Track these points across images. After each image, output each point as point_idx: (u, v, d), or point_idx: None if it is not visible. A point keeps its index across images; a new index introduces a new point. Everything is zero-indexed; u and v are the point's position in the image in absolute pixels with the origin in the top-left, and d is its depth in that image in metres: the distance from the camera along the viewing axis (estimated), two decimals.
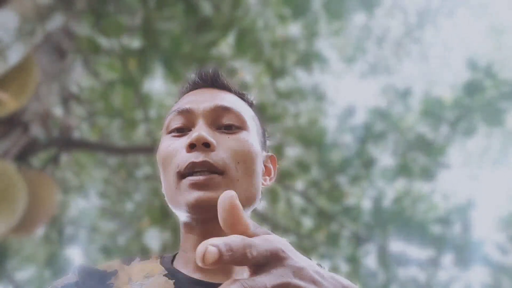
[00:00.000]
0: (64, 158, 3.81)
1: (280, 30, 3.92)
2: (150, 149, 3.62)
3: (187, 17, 3.37)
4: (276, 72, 3.91)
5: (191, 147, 0.70)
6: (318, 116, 4.28)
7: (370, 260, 4.24)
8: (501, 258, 4.17)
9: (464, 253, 4.14)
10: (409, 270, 4.31)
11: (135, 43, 3.52)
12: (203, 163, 0.69)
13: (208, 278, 0.69)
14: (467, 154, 4.76)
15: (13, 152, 3.05)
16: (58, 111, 3.55)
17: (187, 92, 0.82)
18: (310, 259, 0.49)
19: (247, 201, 0.73)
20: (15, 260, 4.07)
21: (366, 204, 4.32)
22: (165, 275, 0.70)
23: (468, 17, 5.03)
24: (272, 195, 3.83)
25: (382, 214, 4.22)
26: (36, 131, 3.21)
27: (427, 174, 4.28)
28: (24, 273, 4.26)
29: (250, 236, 0.41)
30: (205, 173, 0.69)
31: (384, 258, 4.17)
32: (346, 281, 0.45)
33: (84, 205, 4.32)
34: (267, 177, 0.82)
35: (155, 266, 0.73)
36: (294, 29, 4.00)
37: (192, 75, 0.83)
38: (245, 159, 0.73)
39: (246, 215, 0.43)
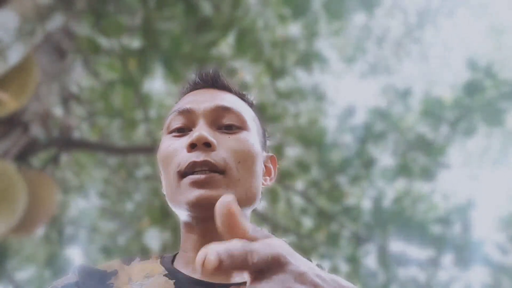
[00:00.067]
0: (64, 158, 3.81)
1: (280, 30, 3.92)
2: (150, 149, 3.62)
3: (187, 17, 3.37)
4: (276, 72, 3.90)
5: (192, 146, 0.70)
6: (318, 116, 4.28)
7: (370, 260, 4.24)
8: (501, 258, 4.17)
9: (464, 253, 4.14)
10: (409, 270, 4.32)
11: (135, 43, 3.52)
12: (204, 163, 0.69)
13: (209, 278, 0.69)
14: (467, 154, 4.76)
15: (13, 152, 3.05)
16: (58, 111, 3.55)
17: (188, 92, 0.82)
18: (311, 260, 0.48)
19: (247, 201, 0.74)
20: (15, 260, 4.07)
21: (366, 204, 4.32)
22: (165, 275, 0.71)
23: (468, 17, 5.03)
24: (272, 195, 3.83)
25: (382, 214, 4.22)
26: (36, 131, 3.21)
27: (427, 174, 4.28)
28: (24, 273, 4.27)
29: (249, 240, 0.40)
30: (206, 172, 0.69)
31: (384, 258, 4.17)
32: (347, 283, 0.45)
33: (84, 205, 4.32)
34: (267, 177, 0.82)
35: (155, 266, 0.73)
36: (294, 29, 4.00)
37: (192, 76, 0.84)
38: (245, 159, 0.73)
39: (245, 218, 0.42)
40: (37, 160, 3.50)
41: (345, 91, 4.75)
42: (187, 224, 0.75)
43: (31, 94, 2.84)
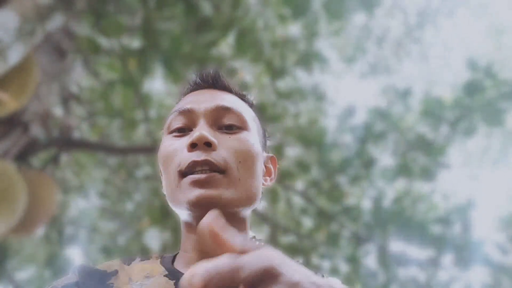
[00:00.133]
0: (64, 158, 3.81)
1: (280, 30, 3.92)
2: (150, 149, 3.62)
3: (187, 17, 3.37)
4: (276, 72, 3.90)
5: (193, 146, 0.71)
6: (318, 116, 4.28)
7: (370, 260, 4.24)
8: (501, 258, 4.17)
9: (464, 253, 4.14)
10: (409, 270, 4.32)
11: (135, 43, 3.52)
12: (205, 162, 0.70)
13: None
14: (467, 154, 4.76)
15: (13, 152, 3.05)
16: (58, 111, 3.55)
17: (188, 92, 0.82)
18: (298, 261, 0.47)
19: (247, 201, 0.74)
20: (15, 260, 4.07)
21: (366, 204, 4.32)
22: (165, 276, 0.71)
23: (468, 17, 5.03)
24: (272, 195, 3.83)
25: (382, 214, 4.22)
26: (36, 131, 3.21)
27: (427, 174, 4.28)
28: (24, 273, 4.27)
29: (239, 253, 0.39)
30: (207, 171, 0.70)
31: (384, 258, 4.17)
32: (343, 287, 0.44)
33: (84, 205, 4.32)
34: (267, 178, 0.82)
35: (155, 266, 0.73)
36: (294, 29, 4.00)
37: (192, 76, 0.84)
38: (246, 158, 0.73)
39: (231, 231, 0.41)
40: (37, 160, 3.50)
41: (345, 91, 4.76)
42: (187, 224, 0.75)
43: (31, 94, 2.84)
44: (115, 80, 3.65)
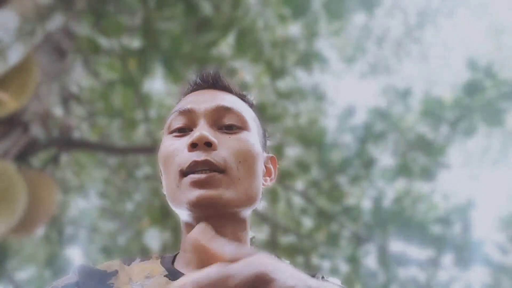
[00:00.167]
0: (64, 158, 3.81)
1: (280, 30, 3.92)
2: (150, 149, 3.62)
3: (187, 17, 3.37)
4: (276, 72, 3.90)
5: (193, 146, 0.71)
6: (318, 116, 4.28)
7: (370, 260, 4.24)
8: (501, 258, 4.17)
9: (464, 253, 4.14)
10: (409, 270, 4.32)
11: (135, 43, 3.52)
12: (205, 162, 0.70)
13: None
14: (467, 154, 4.76)
15: (13, 152, 3.05)
16: (58, 111, 3.55)
17: (188, 93, 0.82)
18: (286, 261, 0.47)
19: (247, 201, 0.74)
20: (15, 260, 4.07)
21: (366, 204, 4.32)
22: (165, 276, 0.71)
23: (468, 17, 5.03)
24: (272, 195, 3.83)
25: (382, 214, 4.22)
26: (36, 131, 3.21)
27: (427, 174, 4.28)
28: (24, 273, 4.27)
29: (230, 262, 0.39)
30: (207, 171, 0.70)
31: (384, 258, 4.17)
32: None
33: (84, 205, 4.32)
34: (267, 178, 0.82)
35: (155, 267, 0.73)
36: (294, 29, 4.00)
37: (193, 76, 0.84)
38: (246, 158, 0.73)
39: (221, 241, 0.41)
40: (37, 160, 3.50)
41: (345, 91, 4.76)
42: (187, 224, 0.75)
43: (31, 94, 2.84)
44: (115, 80, 3.65)
